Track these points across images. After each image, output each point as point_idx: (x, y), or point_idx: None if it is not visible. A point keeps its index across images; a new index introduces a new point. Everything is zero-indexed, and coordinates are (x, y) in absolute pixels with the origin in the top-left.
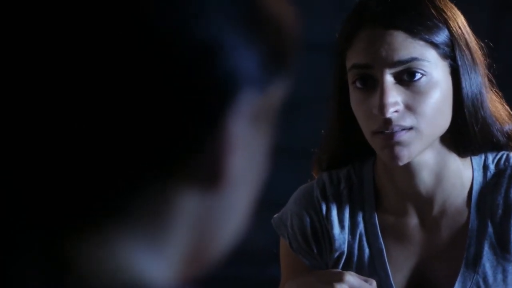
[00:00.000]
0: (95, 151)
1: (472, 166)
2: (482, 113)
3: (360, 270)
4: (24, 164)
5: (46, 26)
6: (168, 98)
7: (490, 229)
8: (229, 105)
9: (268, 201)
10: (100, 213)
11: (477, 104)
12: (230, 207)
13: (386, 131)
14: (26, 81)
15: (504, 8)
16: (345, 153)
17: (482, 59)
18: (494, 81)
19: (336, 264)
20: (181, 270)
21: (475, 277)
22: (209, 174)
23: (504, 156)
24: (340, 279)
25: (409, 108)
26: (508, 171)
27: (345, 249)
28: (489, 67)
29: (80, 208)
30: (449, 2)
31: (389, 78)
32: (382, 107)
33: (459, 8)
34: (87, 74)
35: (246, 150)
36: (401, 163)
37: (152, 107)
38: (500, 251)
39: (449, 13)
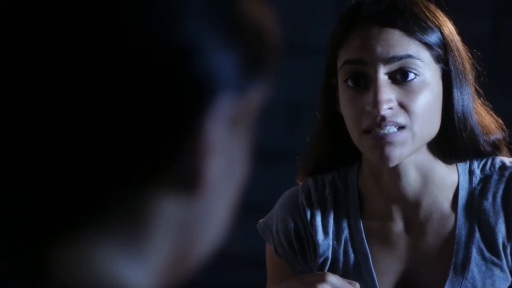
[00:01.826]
0: (73, 157)
1: (458, 172)
2: (471, 121)
3: (346, 276)
4: (2, 173)
5: (27, 29)
6: (145, 102)
7: (477, 234)
8: (207, 108)
9: (270, 204)
10: (79, 220)
11: (467, 111)
12: (210, 211)
13: (377, 129)
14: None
15: (506, 10)
16: (330, 158)
17: (470, 68)
18: (481, 92)
19: (321, 270)
20: (162, 276)
21: (463, 282)
22: (187, 178)
23: (490, 161)
24: (322, 279)
25: (402, 106)
26: (494, 176)
27: (330, 255)
28: (477, 77)
29: (59, 215)
30: (440, 11)
31: (383, 76)
32: (376, 103)
33: (461, 10)
34: (63, 77)
35: (225, 154)
36: (391, 164)
37: (129, 111)
38: (488, 255)
39: (442, 19)
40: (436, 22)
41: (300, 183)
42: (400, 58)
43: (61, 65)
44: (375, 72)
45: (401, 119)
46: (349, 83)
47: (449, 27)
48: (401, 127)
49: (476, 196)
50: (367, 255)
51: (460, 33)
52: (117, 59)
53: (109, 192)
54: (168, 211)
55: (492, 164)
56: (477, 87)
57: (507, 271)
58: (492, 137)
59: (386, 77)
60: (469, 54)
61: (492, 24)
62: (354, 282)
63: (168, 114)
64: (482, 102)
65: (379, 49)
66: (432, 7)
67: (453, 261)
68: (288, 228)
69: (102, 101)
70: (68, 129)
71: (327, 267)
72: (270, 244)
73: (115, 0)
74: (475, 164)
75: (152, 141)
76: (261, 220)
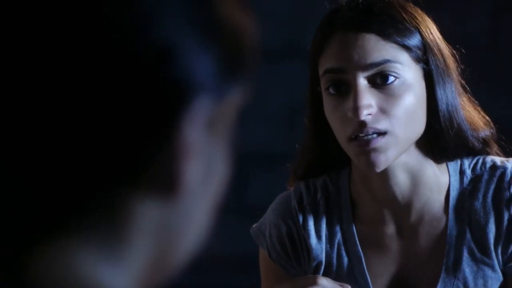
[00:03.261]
0: (51, 160)
1: (449, 172)
2: (457, 118)
3: (340, 279)
4: None
5: (6, 31)
6: (122, 104)
7: (468, 235)
8: (185, 111)
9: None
10: (58, 223)
11: (452, 109)
12: (189, 214)
13: (361, 135)
14: None
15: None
16: (320, 163)
17: (454, 65)
18: (467, 87)
19: (315, 273)
20: (143, 278)
21: (455, 282)
22: (165, 181)
23: (480, 161)
24: (313, 282)
25: (383, 111)
26: (485, 176)
27: (323, 259)
28: (462, 73)
29: (38, 218)
30: (419, 9)
31: (362, 82)
32: (356, 109)
33: (459, 10)
34: (38, 80)
35: (203, 156)
36: (378, 170)
37: (106, 114)
38: (479, 256)
39: (420, 18)
40: (414, 23)
41: (291, 188)
42: (378, 64)
43: (36, 67)
44: (354, 79)
45: (382, 124)
46: (331, 90)
47: (427, 26)
48: (382, 133)
49: (467, 196)
50: (360, 258)
51: (458, 32)
52: (94, 60)
53: (87, 195)
54: (147, 213)
55: (483, 164)
56: (463, 83)
57: (499, 270)
58: (481, 133)
59: (365, 82)
60: (452, 51)
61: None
62: (345, 285)
63: (146, 116)
64: (469, 98)
65: (356, 56)
66: (410, 7)
67: (444, 262)
68: (281, 233)
69: (78, 104)
70: (46, 132)
71: (321, 271)
72: (264, 248)
73: (92, 1)
74: (466, 164)
75: (130, 143)
76: (254, 225)
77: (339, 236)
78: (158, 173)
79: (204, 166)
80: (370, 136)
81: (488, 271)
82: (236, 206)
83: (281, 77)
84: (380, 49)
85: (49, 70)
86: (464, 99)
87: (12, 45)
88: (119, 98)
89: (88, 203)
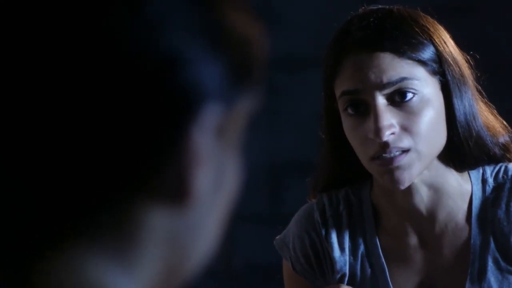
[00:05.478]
0: (61, 168)
1: (471, 181)
2: (475, 126)
3: None
4: None
5: (9, 38)
6: (131, 113)
7: (492, 244)
8: (193, 119)
9: (285, 215)
10: (68, 232)
11: (470, 119)
12: (199, 222)
13: (384, 155)
14: None
15: None
16: (341, 176)
17: (469, 71)
18: (483, 93)
19: None
20: (153, 287)
21: None
22: (174, 189)
23: (502, 169)
24: None
25: (405, 129)
26: (507, 185)
27: (347, 271)
28: (477, 78)
29: (47, 228)
30: (431, 18)
31: (381, 101)
32: (378, 131)
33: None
34: (45, 89)
35: (212, 165)
36: (402, 187)
37: (115, 123)
38: (504, 265)
39: (432, 29)
40: (427, 35)
41: (314, 200)
42: (395, 82)
43: (44, 75)
44: (373, 99)
45: (405, 142)
46: (350, 111)
47: (440, 36)
48: (405, 150)
49: (489, 206)
50: (384, 269)
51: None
52: (103, 70)
53: (96, 204)
54: (157, 221)
55: (505, 172)
56: (479, 87)
57: None
58: (501, 139)
59: (384, 101)
60: (467, 57)
61: None
62: None
63: (154, 125)
64: (485, 103)
65: (373, 76)
66: (421, 18)
67: (469, 272)
68: (305, 244)
69: (87, 113)
70: (57, 140)
71: (345, 283)
72: (287, 260)
73: (100, 10)
74: (488, 172)
75: (139, 151)
76: (277, 237)
77: (362, 248)
78: (168, 181)
79: (214, 174)
80: (393, 154)
81: None
82: (271, 215)
83: (309, 86)
84: (396, 67)
85: (60, 80)
86: (481, 104)
87: (20, 56)
88: (128, 107)
89: (97, 211)
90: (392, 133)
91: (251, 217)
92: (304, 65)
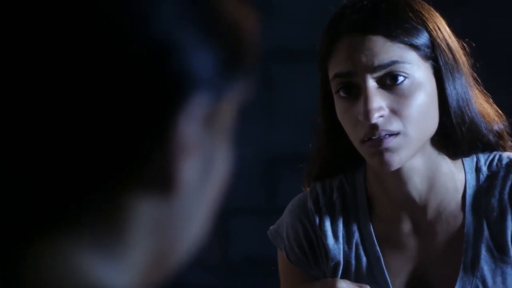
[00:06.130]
0: (47, 159)
1: (464, 169)
2: (469, 113)
3: (359, 279)
4: None
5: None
6: (119, 101)
7: (486, 232)
8: (182, 108)
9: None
10: (56, 223)
11: (463, 104)
12: (187, 212)
13: (373, 137)
14: None
15: None
16: (335, 162)
17: (464, 58)
18: (479, 80)
19: (333, 274)
20: (142, 278)
21: (474, 280)
22: (162, 179)
23: (496, 157)
24: (332, 286)
25: (395, 112)
26: (501, 173)
27: (341, 259)
28: (473, 66)
29: (35, 217)
30: (427, 5)
31: (371, 84)
32: (367, 113)
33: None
34: (37, 76)
35: (200, 154)
36: (391, 169)
37: (102, 111)
38: (497, 253)
39: (426, 15)
40: (420, 20)
41: (308, 189)
42: (386, 65)
43: (33, 64)
44: (363, 81)
45: (394, 125)
46: (341, 93)
47: (435, 22)
48: (394, 134)
49: (483, 194)
50: (379, 257)
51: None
52: (91, 57)
53: (84, 194)
54: (145, 212)
55: (499, 160)
56: (475, 75)
57: None
58: (495, 127)
59: (375, 84)
60: (463, 44)
61: None
62: (365, 286)
63: (142, 113)
64: (481, 90)
65: (364, 59)
66: (416, 3)
67: (462, 260)
68: (299, 234)
69: (74, 101)
70: (42, 130)
71: (339, 271)
72: (282, 250)
73: None
74: (482, 160)
75: (126, 140)
76: (271, 227)
77: (356, 236)
78: (155, 171)
79: (203, 164)
80: (382, 136)
81: (507, 269)
82: (267, 208)
83: (305, 78)
84: (388, 51)
85: (46, 67)
86: (476, 91)
87: (9, 43)
88: (115, 94)
89: (85, 202)
90: (381, 116)
91: (247, 209)
92: (300, 57)
